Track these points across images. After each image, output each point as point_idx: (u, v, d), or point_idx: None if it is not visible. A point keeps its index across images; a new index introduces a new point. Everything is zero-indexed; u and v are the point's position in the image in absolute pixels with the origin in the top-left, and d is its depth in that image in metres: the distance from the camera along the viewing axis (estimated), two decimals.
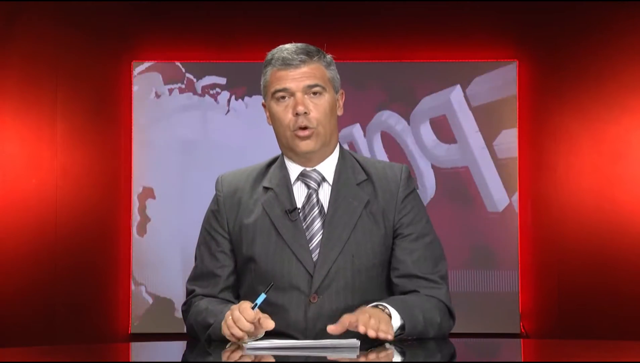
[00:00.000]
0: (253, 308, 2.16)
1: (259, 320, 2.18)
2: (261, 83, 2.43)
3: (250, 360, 2.03)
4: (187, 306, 2.46)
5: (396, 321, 2.22)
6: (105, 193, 5.20)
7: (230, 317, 2.18)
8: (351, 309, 2.31)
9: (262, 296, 2.19)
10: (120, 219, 5.19)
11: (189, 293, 2.48)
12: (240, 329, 2.16)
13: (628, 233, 5.07)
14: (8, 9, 5.14)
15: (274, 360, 2.05)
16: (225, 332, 2.20)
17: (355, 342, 2.11)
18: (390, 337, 2.14)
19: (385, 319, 2.18)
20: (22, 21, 5.17)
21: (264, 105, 2.46)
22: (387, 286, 2.42)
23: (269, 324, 2.18)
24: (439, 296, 2.35)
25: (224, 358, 2.08)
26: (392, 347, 2.15)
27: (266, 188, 2.43)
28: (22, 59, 5.15)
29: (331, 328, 2.13)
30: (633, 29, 5.15)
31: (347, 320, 2.13)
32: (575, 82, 5.17)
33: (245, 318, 2.15)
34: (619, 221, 5.07)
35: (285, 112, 2.37)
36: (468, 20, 5.23)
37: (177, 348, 2.47)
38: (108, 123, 5.23)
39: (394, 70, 5.19)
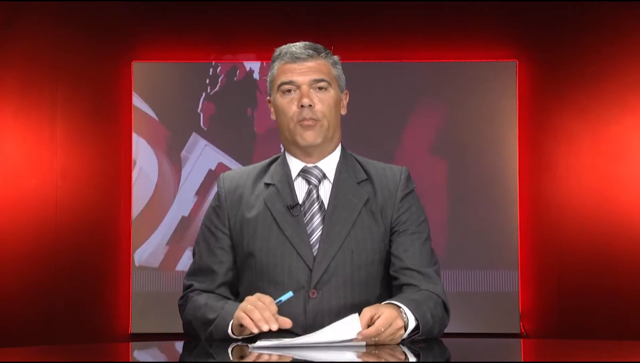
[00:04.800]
0: (277, 303, 2.20)
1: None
2: (268, 78, 2.47)
3: (251, 360, 2.03)
4: (183, 300, 2.48)
5: (412, 323, 2.21)
6: (105, 193, 5.20)
7: (252, 305, 2.18)
8: (350, 305, 2.34)
9: (290, 294, 2.23)
10: (120, 219, 5.19)
11: (187, 287, 2.49)
12: (262, 317, 2.15)
13: (628, 233, 5.06)
14: (8, 9, 5.14)
15: (275, 360, 2.05)
16: (242, 315, 2.18)
17: (355, 318, 2.10)
18: (394, 342, 2.15)
19: (397, 327, 2.15)
20: (22, 21, 5.17)
21: (268, 101, 2.49)
22: (386, 283, 2.43)
23: (287, 323, 2.19)
24: (436, 292, 2.36)
25: (228, 357, 2.08)
26: (393, 347, 2.15)
27: (267, 184, 2.45)
28: (22, 59, 5.15)
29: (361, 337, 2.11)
30: (633, 29, 5.15)
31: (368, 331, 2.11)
32: (575, 82, 5.17)
33: (270, 311, 2.17)
34: (619, 221, 5.07)
35: (290, 104, 2.41)
36: (468, 20, 5.23)
37: (177, 348, 2.47)
38: (108, 123, 5.23)
39: (394, 70, 5.19)
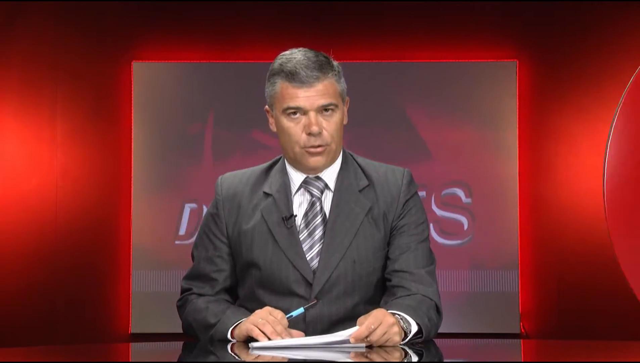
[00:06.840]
0: (287, 318, 2.20)
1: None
2: (267, 91, 2.38)
3: (251, 360, 2.03)
4: (182, 302, 2.48)
5: (414, 328, 2.22)
6: (105, 193, 5.20)
7: (264, 320, 2.18)
8: (350, 312, 2.34)
9: (301, 310, 2.23)
10: (120, 219, 5.18)
11: (185, 290, 2.48)
12: (274, 330, 2.16)
13: None
14: (8, 9, 5.14)
15: (275, 360, 2.05)
16: (252, 328, 2.18)
17: (351, 330, 2.11)
18: (391, 343, 2.15)
19: (387, 323, 2.15)
20: (22, 21, 5.17)
21: (267, 110, 2.42)
22: (386, 289, 2.42)
23: (300, 336, 2.21)
24: (430, 295, 2.35)
25: (228, 357, 2.08)
26: (394, 347, 2.15)
27: (266, 194, 2.42)
28: (22, 59, 5.15)
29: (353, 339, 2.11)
30: (633, 29, 5.15)
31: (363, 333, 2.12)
32: (575, 82, 5.17)
33: (282, 325, 2.17)
34: None
35: (296, 128, 2.34)
36: (468, 20, 5.23)
37: (177, 348, 2.48)
38: (108, 123, 5.23)
39: (394, 70, 5.19)
